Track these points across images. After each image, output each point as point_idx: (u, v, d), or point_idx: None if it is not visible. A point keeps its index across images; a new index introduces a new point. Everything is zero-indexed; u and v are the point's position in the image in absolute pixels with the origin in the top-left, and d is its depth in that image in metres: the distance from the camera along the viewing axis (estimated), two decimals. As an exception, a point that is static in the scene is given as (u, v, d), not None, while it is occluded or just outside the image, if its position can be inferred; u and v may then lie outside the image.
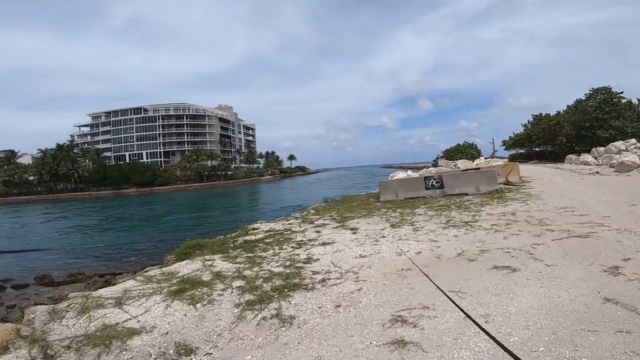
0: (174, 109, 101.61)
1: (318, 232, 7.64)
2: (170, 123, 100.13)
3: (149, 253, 14.73)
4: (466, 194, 11.89)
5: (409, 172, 14.41)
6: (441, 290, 3.87)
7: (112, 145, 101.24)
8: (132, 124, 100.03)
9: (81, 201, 64.18)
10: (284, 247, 6.43)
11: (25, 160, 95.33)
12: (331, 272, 4.80)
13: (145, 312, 3.94)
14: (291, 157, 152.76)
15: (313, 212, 11.83)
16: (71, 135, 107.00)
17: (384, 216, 9.13)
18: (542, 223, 6.87)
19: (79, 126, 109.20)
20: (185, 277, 5.06)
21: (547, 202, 9.54)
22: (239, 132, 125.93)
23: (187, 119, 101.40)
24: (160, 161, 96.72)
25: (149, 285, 4.81)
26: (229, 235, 9.81)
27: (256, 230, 8.81)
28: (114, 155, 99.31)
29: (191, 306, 4.00)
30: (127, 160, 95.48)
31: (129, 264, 13.07)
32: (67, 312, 4.05)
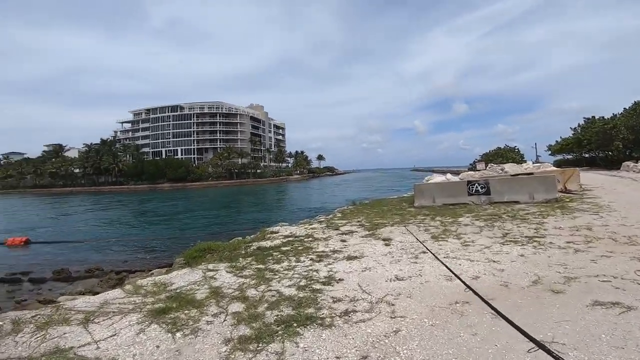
0: (208, 108, 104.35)
1: (344, 241, 6.50)
2: (204, 121, 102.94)
3: (168, 250, 14.28)
4: (517, 202, 10.21)
5: (449, 175, 12.90)
6: (531, 339, 2.58)
7: (150, 142, 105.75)
8: (169, 121, 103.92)
9: (119, 194, 67.29)
10: (302, 258, 5.36)
11: (72, 154, 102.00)
12: (358, 300, 3.64)
13: (112, 336, 3.06)
14: (320, 158, 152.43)
15: (339, 215, 10.69)
16: (114, 131, 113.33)
17: (422, 224, 7.81)
18: (634, 242, 5.30)
19: (122, 122, 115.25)
20: (178, 291, 4.12)
21: (625, 214, 7.76)
22: (269, 131, 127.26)
23: (220, 117, 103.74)
24: (194, 158, 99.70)
25: (132, 299, 3.92)
26: (245, 237, 8.92)
27: (275, 235, 7.83)
28: (152, 151, 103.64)
29: (169, 335, 3.03)
30: (164, 156, 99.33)
31: (146, 261, 12.62)
32: (28, 324, 3.33)
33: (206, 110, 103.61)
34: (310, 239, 6.87)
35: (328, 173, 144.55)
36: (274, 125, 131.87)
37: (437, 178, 13.05)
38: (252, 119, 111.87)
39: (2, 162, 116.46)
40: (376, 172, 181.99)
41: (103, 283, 9.07)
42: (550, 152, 58.44)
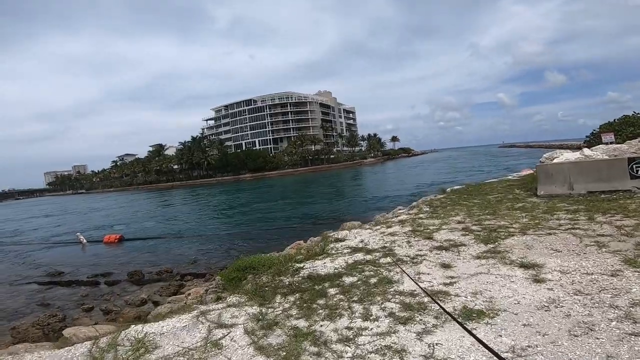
0: (279, 99, 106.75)
1: (446, 266, 4.01)
2: (276, 112, 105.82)
3: (236, 249, 13.49)
4: None
5: (586, 150, 8.99)
6: None
7: (232, 135, 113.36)
8: (245, 115, 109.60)
9: (208, 186, 73.39)
10: (374, 310, 3.07)
11: (170, 151, 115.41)
12: None
13: None
14: (394, 139, 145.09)
15: (427, 209, 8.05)
16: (202, 128, 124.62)
17: (578, 230, 4.78)
18: None
19: (206, 120, 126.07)
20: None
21: None
22: (340, 116, 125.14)
23: (290, 106, 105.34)
24: (270, 148, 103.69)
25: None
26: (301, 246, 7.05)
27: (339, 245, 5.72)
28: (234, 144, 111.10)
29: None
30: (244, 147, 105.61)
31: (212, 262, 12.07)
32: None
33: (277, 101, 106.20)
34: (388, 257, 4.56)
35: (404, 154, 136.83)
36: (343, 110, 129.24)
37: (568, 155, 9.21)
38: (322, 105, 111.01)
39: (118, 163, 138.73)
40: (458, 151, 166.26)
41: (164, 290, 9.00)
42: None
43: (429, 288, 3.42)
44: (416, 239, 5.34)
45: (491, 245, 4.52)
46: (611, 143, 19.32)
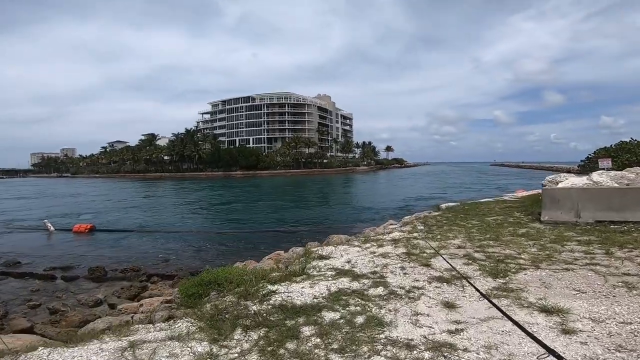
0: (277, 98, 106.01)
1: (448, 303, 3.29)
2: (273, 111, 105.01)
3: (212, 250, 12.64)
4: None
5: (594, 175, 8.44)
6: None
7: (226, 131, 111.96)
8: (242, 112, 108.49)
9: (197, 180, 71.96)
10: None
11: (163, 142, 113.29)
12: None
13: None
14: (388, 149, 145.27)
15: (422, 227, 7.38)
16: (197, 122, 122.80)
17: (598, 266, 4.13)
18: None
19: (202, 113, 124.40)
20: None
21: None
22: (337, 121, 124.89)
23: (288, 107, 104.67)
24: (264, 147, 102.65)
25: None
26: (280, 257, 6.31)
27: (322, 264, 4.98)
28: (227, 140, 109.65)
29: None
30: (237, 144, 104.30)
31: (185, 263, 11.28)
32: None
33: (275, 101, 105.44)
34: (380, 286, 3.82)
35: (396, 165, 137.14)
36: (341, 115, 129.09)
37: (574, 179, 8.66)
38: (320, 109, 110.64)
39: (108, 149, 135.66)
40: (450, 166, 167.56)
41: (124, 291, 8.27)
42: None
43: (430, 336, 2.70)
44: (411, 264, 4.63)
45: (501, 280, 3.84)
46: (608, 169, 19.08)
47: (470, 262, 4.58)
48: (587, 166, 37.92)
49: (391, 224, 8.93)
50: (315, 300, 3.58)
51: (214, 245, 13.64)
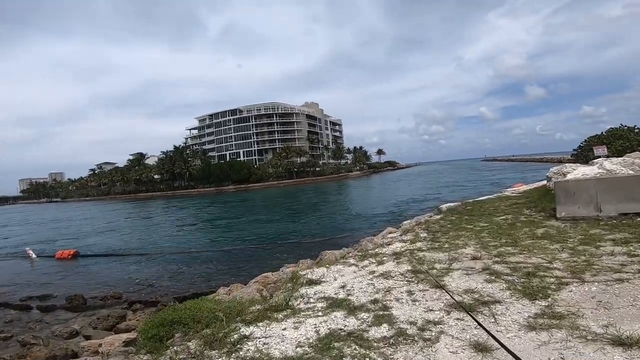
0: (265, 109, 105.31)
1: (480, 345, 2.41)
2: (262, 122, 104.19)
3: (197, 274, 11.62)
4: None
5: (606, 163, 7.73)
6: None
7: (216, 145, 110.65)
8: (230, 125, 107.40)
9: (189, 197, 70.42)
10: None
11: (152, 161, 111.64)
12: None
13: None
14: (379, 152, 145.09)
15: (425, 235, 6.53)
16: (185, 138, 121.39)
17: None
18: None
19: (189, 129, 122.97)
20: None
21: None
22: (326, 128, 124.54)
23: (276, 117, 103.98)
24: (255, 159, 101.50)
25: None
26: (267, 281, 5.41)
27: (311, 292, 4.07)
28: (217, 155, 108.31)
29: None
30: (228, 158, 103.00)
31: (168, 289, 10.36)
32: None
33: (263, 112, 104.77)
34: (383, 323, 2.92)
35: (389, 168, 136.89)
36: (330, 122, 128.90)
37: (583, 169, 7.90)
38: (308, 117, 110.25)
39: (96, 171, 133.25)
40: (442, 165, 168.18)
41: (101, 321, 7.78)
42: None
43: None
44: (420, 286, 3.74)
45: (542, 303, 2.96)
46: (604, 156, 18.56)
47: (493, 277, 3.71)
48: (580, 155, 37.62)
49: (390, 232, 8.07)
50: (299, 349, 2.68)
51: (202, 266, 12.64)
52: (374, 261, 5.04)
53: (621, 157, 14.66)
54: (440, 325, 2.79)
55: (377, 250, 5.80)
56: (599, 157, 20.05)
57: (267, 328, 3.21)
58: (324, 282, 4.43)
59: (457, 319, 2.87)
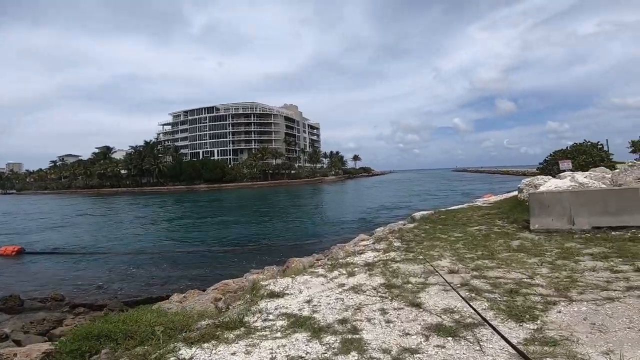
0: (243, 108, 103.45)
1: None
2: (239, 122, 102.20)
3: (153, 277, 10.71)
4: None
5: (578, 176, 7.80)
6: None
7: (189, 143, 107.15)
8: (206, 122, 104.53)
9: (158, 195, 67.41)
10: None
11: (120, 155, 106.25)
12: None
13: None
14: (356, 158, 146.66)
15: (399, 244, 6.19)
16: (157, 133, 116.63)
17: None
18: None
19: (162, 125, 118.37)
20: None
21: None
22: (304, 131, 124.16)
23: (254, 117, 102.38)
24: (230, 159, 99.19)
25: None
26: (226, 289, 4.85)
27: (271, 308, 3.55)
28: (190, 152, 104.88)
29: None
30: (201, 156, 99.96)
31: (118, 291, 9.52)
32: None
33: (240, 111, 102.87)
34: (352, 351, 2.45)
35: (364, 174, 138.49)
36: (308, 125, 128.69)
37: (555, 182, 7.95)
38: (287, 119, 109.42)
39: (58, 163, 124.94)
40: (416, 173, 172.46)
41: (35, 325, 6.95)
42: (632, 148, 48.65)
43: None
44: (395, 304, 3.32)
45: (530, 326, 2.62)
46: (569, 170, 19.35)
47: (473, 295, 3.36)
48: (546, 168, 39.58)
49: (363, 240, 7.69)
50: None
51: (160, 268, 11.73)
52: (344, 272, 4.60)
53: (585, 171, 15.28)
54: (419, 355, 2.37)
55: (348, 259, 5.37)
56: (564, 171, 20.92)
57: (213, 351, 2.66)
58: (288, 294, 3.92)
59: (438, 345, 2.46)
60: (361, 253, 5.72)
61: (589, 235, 5.74)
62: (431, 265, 4.48)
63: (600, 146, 36.49)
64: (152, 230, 21.64)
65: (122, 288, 10.06)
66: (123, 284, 10.39)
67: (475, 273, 4.10)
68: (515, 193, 17.17)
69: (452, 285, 3.64)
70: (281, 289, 4.11)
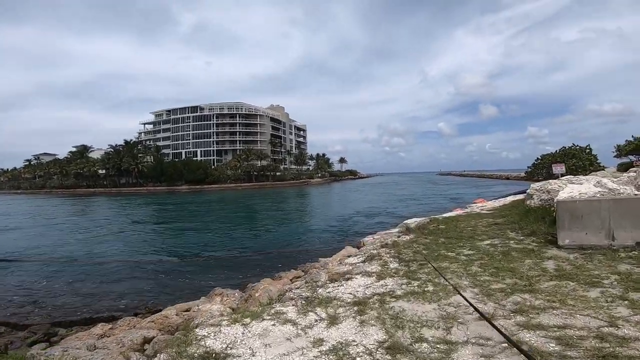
0: (228, 108, 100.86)
1: None
2: (224, 122, 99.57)
3: (103, 296, 8.93)
4: None
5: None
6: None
7: (171, 143, 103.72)
8: (189, 122, 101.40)
9: (137, 196, 64.30)
10: None
11: (98, 155, 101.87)
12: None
13: None
14: (342, 161, 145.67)
15: (395, 266, 4.78)
16: (138, 132, 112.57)
17: None
18: None
19: (144, 124, 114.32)
20: None
21: None
22: (290, 133, 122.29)
23: (239, 118, 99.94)
24: (213, 159, 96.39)
25: None
26: (165, 323, 3.35)
27: (242, 349, 2.08)
28: (172, 152, 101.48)
29: None
30: (184, 157, 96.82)
31: (53, 310, 7.83)
32: None
33: (226, 111, 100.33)
34: None
35: (350, 177, 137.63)
36: (295, 126, 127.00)
37: (578, 187, 6.70)
38: (273, 120, 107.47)
39: (33, 162, 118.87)
40: (402, 177, 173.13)
41: None
42: (618, 153, 49.28)
43: None
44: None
45: None
46: (562, 175, 18.55)
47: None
48: (534, 172, 39.36)
49: (349, 255, 6.26)
50: None
51: (114, 280, 9.98)
52: (323, 315, 3.14)
53: (575, 176, 14.38)
54: None
55: (330, 289, 3.92)
56: (557, 175, 20.10)
57: None
58: (232, 357, 2.43)
59: None
60: (348, 279, 4.27)
61: (636, 253, 4.49)
62: (448, 302, 3.08)
63: (589, 150, 36.35)
64: (118, 235, 19.56)
65: (64, 303, 8.39)
66: (67, 298, 8.71)
67: (520, 318, 2.71)
68: (513, 198, 16.19)
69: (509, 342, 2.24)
70: (223, 347, 2.62)
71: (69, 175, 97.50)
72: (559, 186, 7.51)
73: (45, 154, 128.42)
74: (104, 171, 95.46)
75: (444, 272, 4.20)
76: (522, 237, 6.11)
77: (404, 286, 3.83)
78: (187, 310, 5.06)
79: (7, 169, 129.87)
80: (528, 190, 8.56)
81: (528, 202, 8.21)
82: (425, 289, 3.65)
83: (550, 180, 8.40)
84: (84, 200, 57.46)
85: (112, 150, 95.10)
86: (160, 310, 5.22)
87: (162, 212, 34.14)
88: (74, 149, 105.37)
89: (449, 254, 5.27)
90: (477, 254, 5.13)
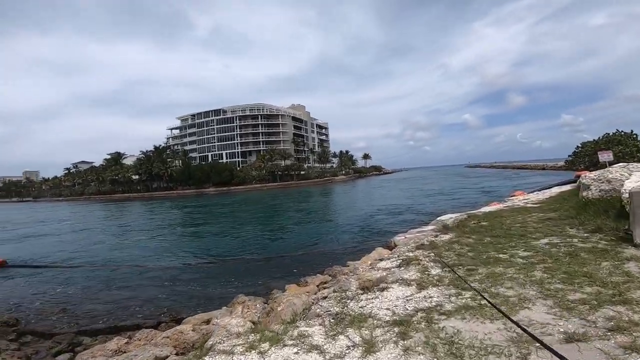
0: (250, 110, 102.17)
1: None
2: (246, 123, 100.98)
3: (134, 302, 8.82)
4: None
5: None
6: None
7: (197, 146, 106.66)
8: (213, 125, 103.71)
9: (167, 200, 66.50)
10: None
11: (130, 161, 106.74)
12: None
13: None
14: (365, 157, 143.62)
15: (437, 272, 4.12)
16: (166, 138, 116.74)
17: None
18: None
19: (171, 129, 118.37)
20: None
21: None
22: (312, 131, 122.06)
23: (261, 119, 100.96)
24: (238, 161, 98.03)
25: None
26: (181, 339, 2.90)
27: None
28: (199, 156, 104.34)
29: None
30: (210, 160, 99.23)
31: (72, 319, 7.83)
32: None
33: (247, 113, 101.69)
34: None
35: (375, 172, 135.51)
36: (316, 125, 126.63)
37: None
38: (294, 119, 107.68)
39: (72, 170, 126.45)
40: (427, 170, 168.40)
41: None
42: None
43: None
44: None
45: None
46: (610, 163, 16.81)
47: None
48: (576, 161, 36.48)
49: (381, 259, 5.63)
50: None
51: (136, 287, 9.87)
52: (357, 338, 2.56)
53: (628, 163, 12.83)
54: None
55: (362, 303, 3.33)
56: (604, 163, 18.25)
57: None
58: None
59: None
60: (383, 289, 3.66)
61: None
62: (520, 326, 2.39)
63: (635, 136, 33.21)
64: (146, 239, 19.92)
65: (90, 311, 8.34)
66: (92, 305, 8.68)
67: (622, 338, 2.01)
68: (559, 189, 14.80)
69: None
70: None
71: (105, 181, 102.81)
72: (621, 175, 6.47)
73: (82, 162, 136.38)
74: (137, 176, 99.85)
75: (501, 280, 3.48)
76: (586, 235, 5.21)
77: (453, 298, 3.17)
78: (206, 322, 4.65)
79: (49, 178, 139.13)
80: (583, 181, 7.51)
81: (584, 193, 7.18)
82: (482, 302, 2.97)
83: (610, 169, 7.32)
84: (118, 205, 60.10)
85: (143, 156, 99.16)
86: (182, 319, 4.86)
87: (189, 214, 34.78)
88: (109, 156, 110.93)
89: (501, 256, 4.51)
90: (536, 255, 4.34)
